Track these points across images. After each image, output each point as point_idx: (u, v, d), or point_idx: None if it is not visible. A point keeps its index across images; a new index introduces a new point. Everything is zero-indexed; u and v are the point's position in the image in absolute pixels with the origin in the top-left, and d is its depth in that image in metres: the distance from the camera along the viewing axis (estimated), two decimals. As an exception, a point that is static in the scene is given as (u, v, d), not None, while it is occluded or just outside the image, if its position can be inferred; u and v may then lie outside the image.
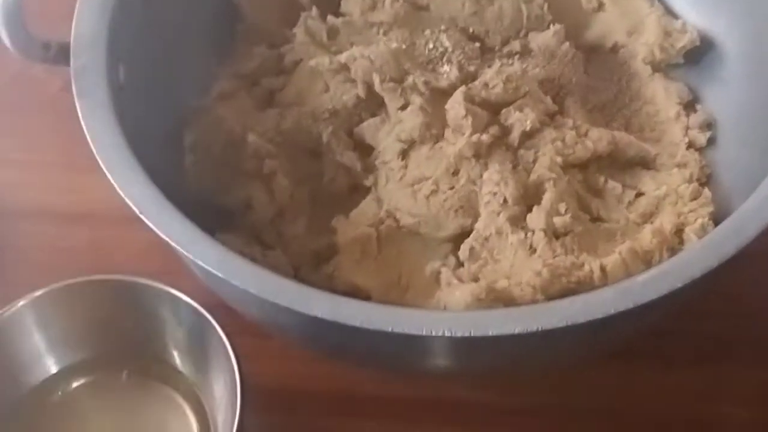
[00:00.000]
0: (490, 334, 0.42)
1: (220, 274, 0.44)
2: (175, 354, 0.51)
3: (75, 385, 0.52)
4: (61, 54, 0.51)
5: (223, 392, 0.48)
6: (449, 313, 0.47)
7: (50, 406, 0.51)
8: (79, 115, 0.49)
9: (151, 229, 0.46)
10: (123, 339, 0.51)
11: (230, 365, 0.47)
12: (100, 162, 0.47)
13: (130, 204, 0.46)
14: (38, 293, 0.50)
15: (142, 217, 0.45)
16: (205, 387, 0.50)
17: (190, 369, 0.51)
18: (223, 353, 0.48)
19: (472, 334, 0.42)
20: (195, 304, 0.49)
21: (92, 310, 0.51)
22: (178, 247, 0.45)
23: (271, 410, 0.52)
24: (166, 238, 0.45)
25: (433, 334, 0.42)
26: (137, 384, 0.51)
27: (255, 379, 0.48)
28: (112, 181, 0.46)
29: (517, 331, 0.42)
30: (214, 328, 0.48)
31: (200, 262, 0.44)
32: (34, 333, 0.51)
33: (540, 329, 0.42)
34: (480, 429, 0.52)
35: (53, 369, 0.52)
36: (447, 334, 0.42)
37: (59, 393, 0.51)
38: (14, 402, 0.50)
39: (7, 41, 0.50)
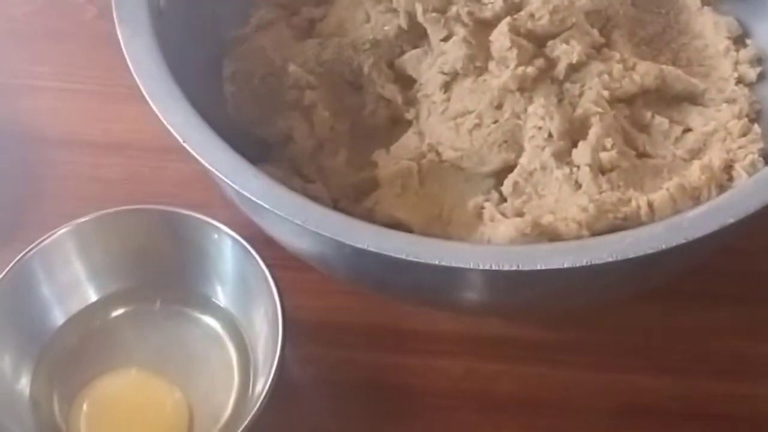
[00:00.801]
0: (539, 268, 0.42)
1: (265, 205, 0.44)
2: (216, 285, 0.52)
3: (115, 314, 0.52)
4: (100, -21, 0.51)
5: (264, 324, 0.49)
6: (497, 247, 0.47)
7: (90, 334, 0.52)
8: (121, 41, 0.49)
9: (193, 159, 0.45)
10: (163, 269, 0.52)
11: (272, 298, 0.47)
12: (143, 90, 0.47)
13: (174, 133, 0.46)
14: (80, 221, 0.51)
15: (185, 146, 0.45)
16: (245, 319, 0.51)
17: (231, 301, 0.51)
18: (264, 286, 0.48)
19: (520, 268, 0.42)
20: (237, 236, 0.49)
21: (133, 239, 0.51)
22: (222, 177, 0.45)
23: (311, 343, 0.52)
24: (210, 168, 0.45)
25: (481, 267, 0.42)
26: (177, 315, 0.52)
27: (294, 313, 0.48)
28: (155, 109, 0.46)
29: (566, 265, 0.42)
30: (256, 260, 0.48)
31: (245, 192, 0.44)
32: (75, 261, 0.51)
33: (589, 263, 0.42)
34: (519, 364, 0.53)
35: (93, 297, 0.52)
36: (494, 267, 0.42)
37: (99, 321, 0.52)
38: (54, 329, 0.51)
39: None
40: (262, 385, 0.46)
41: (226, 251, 0.50)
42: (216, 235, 0.50)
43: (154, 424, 0.49)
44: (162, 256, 0.52)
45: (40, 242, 0.50)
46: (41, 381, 0.50)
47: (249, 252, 0.49)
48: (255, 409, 0.45)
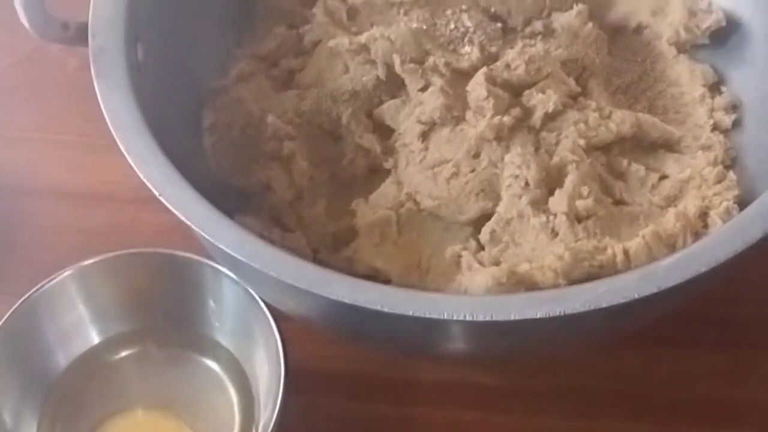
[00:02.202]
0: (512, 318, 0.42)
1: (239, 257, 0.44)
2: (216, 325, 0.52)
3: (117, 356, 0.52)
4: (79, 34, 0.51)
5: (264, 363, 0.49)
6: (470, 297, 0.47)
7: (93, 375, 0.52)
8: (98, 96, 0.49)
9: (170, 211, 0.46)
10: (164, 311, 0.52)
11: (274, 341, 0.48)
12: (119, 143, 0.47)
13: (150, 186, 0.46)
14: (83, 264, 0.51)
15: (161, 199, 0.46)
16: (245, 358, 0.51)
17: (231, 340, 0.52)
18: (266, 329, 0.48)
19: (493, 318, 0.42)
20: (240, 281, 0.49)
21: (135, 282, 0.52)
22: (197, 230, 0.45)
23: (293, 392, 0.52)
24: (186, 221, 0.45)
25: (454, 318, 0.42)
26: (178, 357, 0.52)
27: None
28: (131, 163, 0.47)
29: (539, 315, 0.42)
30: (255, 299, 0.49)
31: (220, 245, 0.45)
32: (79, 304, 0.51)
33: (563, 313, 0.42)
34: (500, 411, 0.53)
35: (96, 339, 0.52)
36: (468, 318, 0.42)
37: (102, 363, 0.52)
38: (58, 371, 0.51)
39: (24, 21, 0.50)
40: (265, 427, 0.47)
41: (226, 292, 0.50)
42: (215, 278, 0.50)
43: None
44: (164, 299, 0.52)
45: (43, 285, 0.50)
46: (46, 426, 0.50)
47: (250, 293, 0.49)
48: None
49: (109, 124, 0.48)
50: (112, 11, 0.52)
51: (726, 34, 0.58)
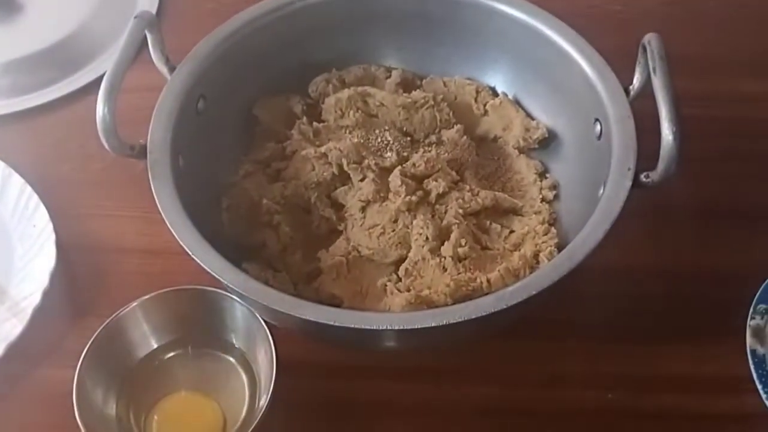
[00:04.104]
0: (416, 327, 0.43)
1: (244, 293, 0.44)
2: (232, 334, 0.51)
3: (168, 356, 0.51)
4: (141, 151, 0.51)
5: (264, 360, 0.48)
6: (390, 314, 0.48)
7: (153, 370, 0.50)
8: (153, 190, 0.49)
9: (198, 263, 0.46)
10: (198, 325, 0.51)
11: (269, 343, 0.47)
12: (167, 222, 0.47)
13: (185, 247, 0.46)
14: (145, 297, 0.49)
15: (192, 256, 0.46)
16: (252, 356, 0.50)
17: (242, 344, 0.50)
18: (264, 336, 0.48)
19: (404, 327, 0.43)
20: (246, 305, 0.48)
21: (179, 308, 0.50)
22: (215, 275, 0.45)
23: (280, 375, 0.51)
24: (208, 269, 0.45)
25: (380, 328, 0.43)
26: (207, 355, 0.51)
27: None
28: (173, 232, 0.47)
29: (432, 324, 0.43)
30: (258, 318, 0.48)
31: (231, 285, 0.45)
32: (143, 323, 0.50)
33: (446, 323, 0.43)
34: (415, 382, 0.52)
35: (154, 345, 0.51)
36: (389, 327, 0.43)
37: (158, 361, 0.51)
38: (130, 368, 0.50)
39: (105, 144, 0.49)
40: (264, 400, 0.46)
41: (238, 313, 0.49)
42: (232, 305, 0.49)
43: (201, 425, 0.48)
44: (198, 318, 0.50)
45: (120, 312, 0.49)
46: (122, 404, 0.49)
47: (253, 313, 0.48)
48: (260, 415, 0.45)
49: (160, 209, 0.48)
50: (162, 136, 0.51)
51: (548, 141, 0.59)
